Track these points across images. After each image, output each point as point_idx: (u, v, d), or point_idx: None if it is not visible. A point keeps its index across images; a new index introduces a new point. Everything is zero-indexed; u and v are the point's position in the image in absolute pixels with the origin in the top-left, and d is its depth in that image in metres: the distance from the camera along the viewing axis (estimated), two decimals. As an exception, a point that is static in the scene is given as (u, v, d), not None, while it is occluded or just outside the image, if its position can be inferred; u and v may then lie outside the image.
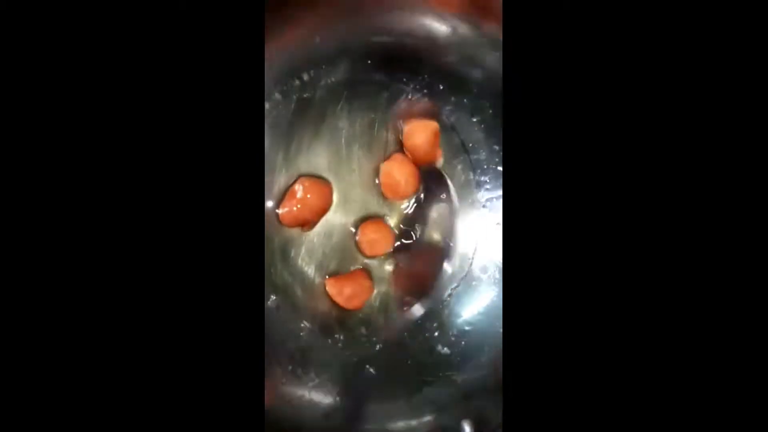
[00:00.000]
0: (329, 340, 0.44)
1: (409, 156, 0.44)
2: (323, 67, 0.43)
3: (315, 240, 0.44)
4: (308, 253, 0.44)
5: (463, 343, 0.45)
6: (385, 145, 0.45)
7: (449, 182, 0.46)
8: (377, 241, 0.44)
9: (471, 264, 0.46)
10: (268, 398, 0.41)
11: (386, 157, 0.44)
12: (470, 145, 0.45)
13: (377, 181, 0.44)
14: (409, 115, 0.44)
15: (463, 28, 0.44)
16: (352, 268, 0.45)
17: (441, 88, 0.45)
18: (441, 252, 0.44)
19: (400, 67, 0.44)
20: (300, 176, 0.43)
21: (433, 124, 0.44)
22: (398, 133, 0.45)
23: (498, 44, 0.43)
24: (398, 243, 0.45)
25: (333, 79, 0.44)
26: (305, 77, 0.43)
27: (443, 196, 0.45)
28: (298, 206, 0.42)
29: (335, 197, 0.44)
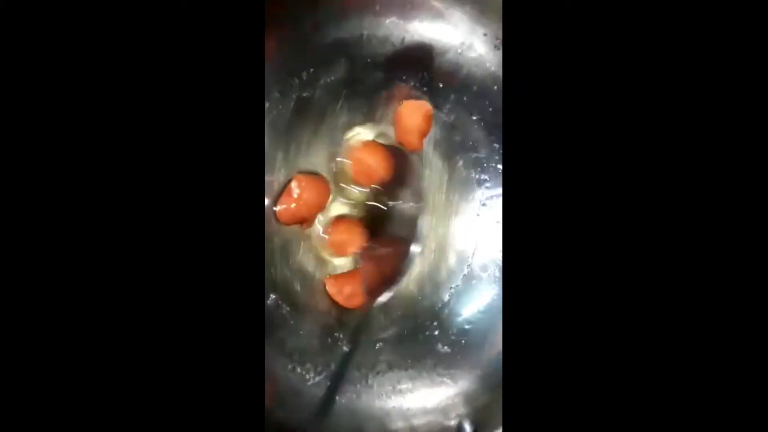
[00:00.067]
0: (329, 339, 0.44)
1: (398, 134, 0.44)
2: (322, 66, 0.43)
3: (314, 238, 0.44)
4: (308, 251, 0.44)
5: (463, 342, 0.45)
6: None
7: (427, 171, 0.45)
8: (345, 241, 0.44)
9: (471, 263, 0.46)
10: (268, 397, 0.41)
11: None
12: (470, 143, 0.45)
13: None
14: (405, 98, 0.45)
15: (463, 26, 0.44)
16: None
17: (440, 86, 0.45)
18: (406, 245, 0.42)
19: (400, 66, 0.44)
20: (296, 173, 0.43)
21: (427, 105, 0.44)
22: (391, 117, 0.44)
23: (498, 42, 0.43)
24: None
25: (332, 78, 0.43)
26: (304, 76, 0.43)
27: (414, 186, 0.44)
28: (295, 204, 0.42)
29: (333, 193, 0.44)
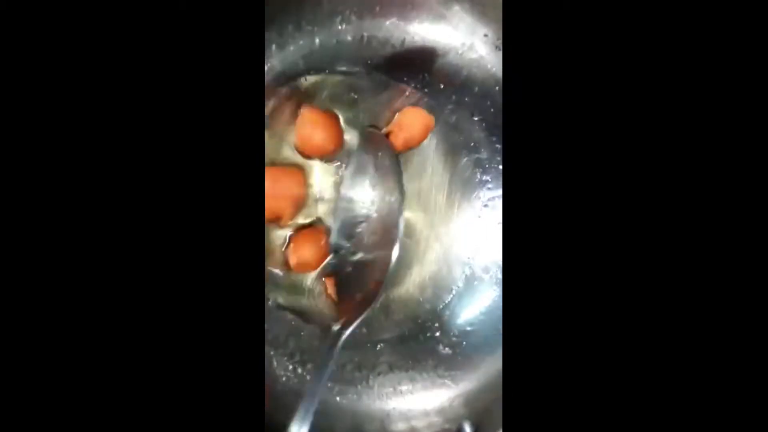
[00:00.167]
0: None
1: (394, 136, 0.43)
2: (323, 68, 0.43)
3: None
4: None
5: (464, 343, 0.45)
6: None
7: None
8: (307, 261, 0.42)
9: (472, 264, 0.46)
10: (269, 397, 0.41)
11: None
12: (471, 144, 0.45)
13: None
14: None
15: (464, 27, 0.44)
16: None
17: (441, 87, 0.44)
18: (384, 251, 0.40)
19: (400, 67, 0.44)
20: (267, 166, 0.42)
21: (428, 117, 0.43)
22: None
23: (499, 43, 0.43)
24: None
25: (333, 80, 0.43)
26: (305, 79, 0.43)
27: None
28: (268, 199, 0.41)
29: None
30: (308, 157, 0.43)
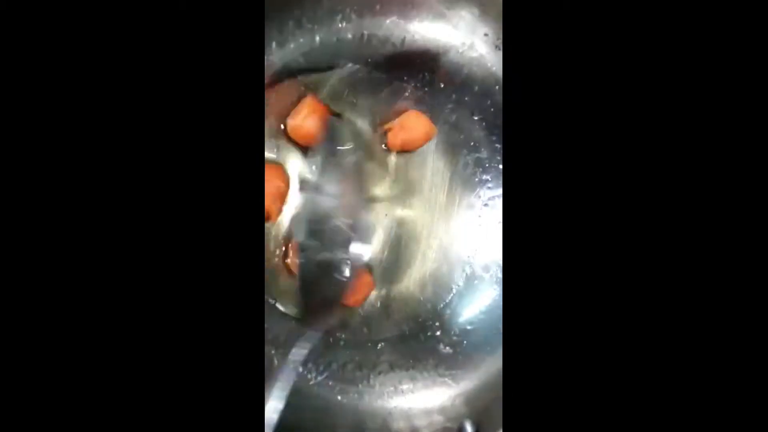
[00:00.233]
0: (330, 340, 0.44)
1: (392, 141, 0.43)
2: (323, 66, 0.43)
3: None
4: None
5: (465, 342, 0.45)
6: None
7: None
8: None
9: (473, 263, 0.46)
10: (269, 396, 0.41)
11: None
12: (472, 143, 0.45)
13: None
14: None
15: (464, 26, 0.44)
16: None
17: (442, 86, 0.44)
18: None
19: (400, 66, 0.44)
20: None
21: (433, 127, 0.43)
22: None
23: (499, 42, 0.43)
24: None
25: (333, 79, 0.43)
26: (305, 77, 0.43)
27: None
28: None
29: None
30: (296, 143, 0.42)
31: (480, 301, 0.46)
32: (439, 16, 0.43)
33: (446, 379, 0.45)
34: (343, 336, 0.44)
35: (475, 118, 0.45)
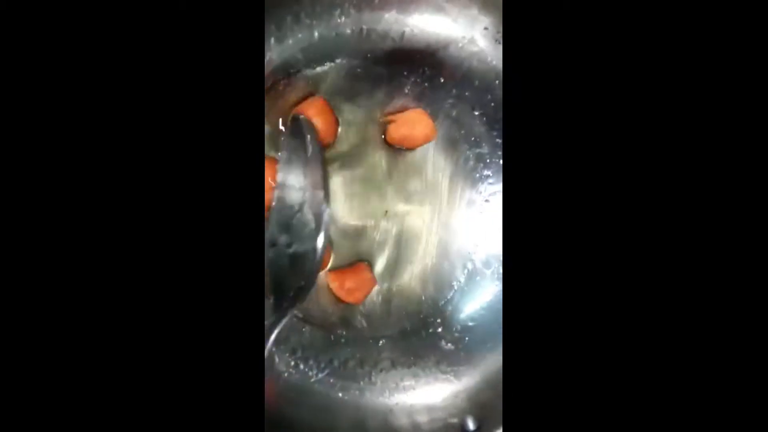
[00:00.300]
0: (331, 336, 0.44)
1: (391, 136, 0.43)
2: (323, 62, 0.43)
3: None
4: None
5: (467, 339, 0.45)
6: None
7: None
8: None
9: (474, 259, 0.46)
10: (270, 394, 0.41)
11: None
12: (472, 138, 0.45)
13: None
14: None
15: (464, 20, 0.43)
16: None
17: (442, 81, 0.44)
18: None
19: (400, 61, 0.44)
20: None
21: (433, 130, 0.43)
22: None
23: (500, 36, 0.43)
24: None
25: (333, 74, 0.43)
26: (304, 73, 0.43)
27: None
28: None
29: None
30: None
31: (481, 297, 0.46)
32: (439, 9, 0.43)
33: (448, 375, 0.45)
34: (345, 333, 0.44)
35: (476, 113, 0.45)
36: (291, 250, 0.39)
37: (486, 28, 0.43)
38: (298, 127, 0.40)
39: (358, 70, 0.43)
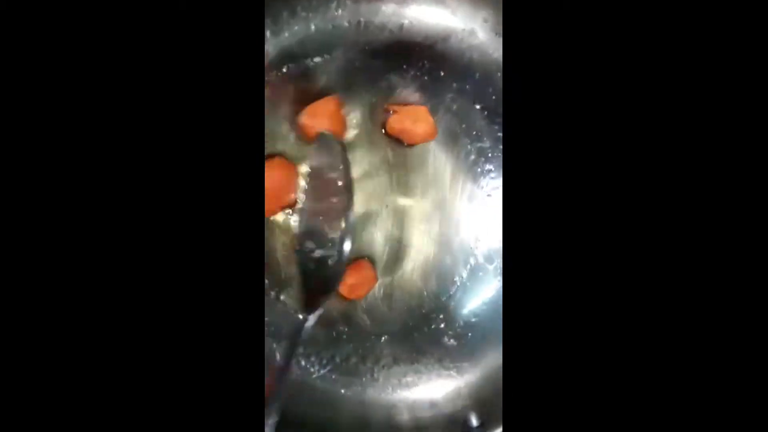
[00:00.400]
0: (333, 333, 0.44)
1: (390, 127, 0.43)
2: (321, 55, 0.42)
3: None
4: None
5: (469, 335, 0.45)
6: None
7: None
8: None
9: (476, 254, 0.45)
10: (271, 390, 0.41)
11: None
12: (474, 132, 0.44)
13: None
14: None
15: (463, 12, 0.42)
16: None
17: (442, 74, 0.43)
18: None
19: (399, 54, 0.43)
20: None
21: (435, 130, 0.43)
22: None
23: (499, 29, 0.42)
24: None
25: (330, 67, 0.42)
26: (301, 65, 0.42)
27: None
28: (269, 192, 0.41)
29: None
30: (308, 140, 0.42)
31: (484, 292, 0.46)
32: (438, 1, 0.42)
33: (451, 371, 0.45)
34: (346, 329, 0.44)
35: (477, 106, 0.44)
36: (317, 255, 0.40)
37: (486, 20, 0.42)
38: (326, 144, 0.40)
39: (356, 63, 0.42)
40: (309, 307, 0.39)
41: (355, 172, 0.43)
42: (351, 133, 0.43)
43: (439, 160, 0.44)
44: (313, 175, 0.40)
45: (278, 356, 0.43)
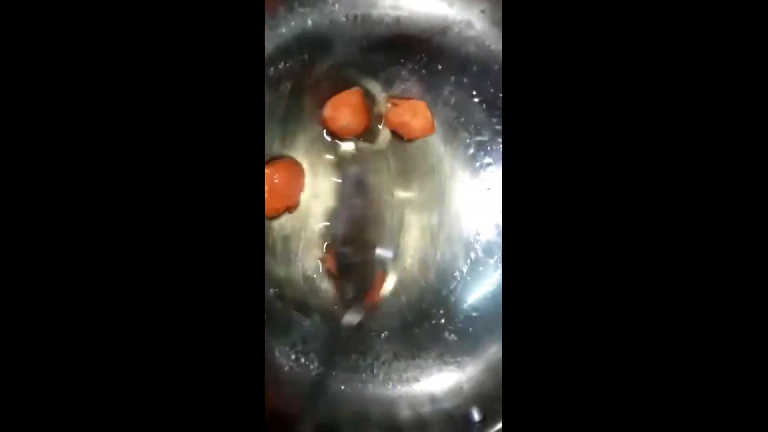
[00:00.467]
0: (333, 329, 0.44)
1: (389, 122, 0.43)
2: (316, 49, 0.42)
3: (315, 228, 0.43)
4: (308, 241, 0.43)
5: (470, 329, 0.45)
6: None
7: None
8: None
9: (476, 248, 0.45)
10: (272, 387, 0.41)
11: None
12: (472, 126, 0.44)
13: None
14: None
15: (459, 3, 0.42)
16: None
17: (440, 67, 0.43)
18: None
19: (396, 47, 0.43)
20: (268, 161, 0.42)
21: (433, 126, 0.43)
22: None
23: (497, 20, 0.42)
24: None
25: (328, 62, 0.42)
26: (299, 61, 0.42)
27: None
28: (274, 193, 0.41)
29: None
30: (331, 133, 0.43)
31: (484, 286, 0.45)
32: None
33: (452, 366, 0.45)
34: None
35: (476, 100, 0.44)
36: (358, 259, 0.41)
37: (483, 11, 0.42)
38: (354, 182, 0.41)
39: (354, 57, 0.42)
40: (347, 313, 0.39)
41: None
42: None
43: (438, 153, 0.44)
44: (352, 181, 0.41)
45: (314, 368, 0.43)
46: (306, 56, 0.42)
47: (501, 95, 0.43)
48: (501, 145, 0.44)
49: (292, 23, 0.42)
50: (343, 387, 0.44)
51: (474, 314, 0.45)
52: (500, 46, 0.42)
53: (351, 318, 0.39)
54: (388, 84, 0.43)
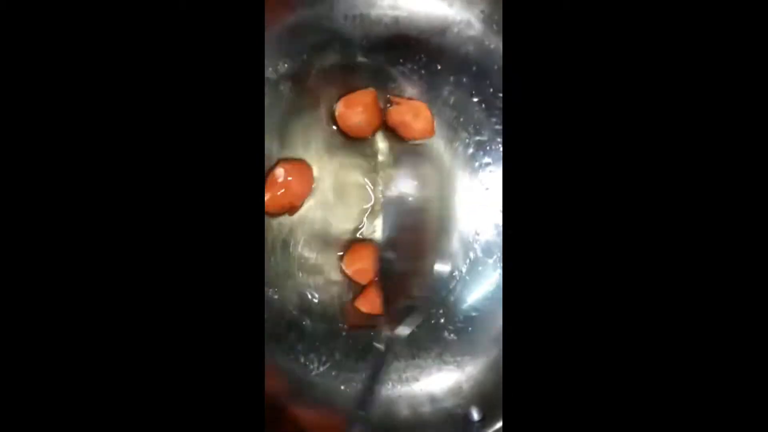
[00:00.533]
0: (332, 329, 0.44)
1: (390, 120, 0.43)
2: (315, 49, 0.42)
3: (315, 227, 0.43)
4: (308, 240, 0.43)
5: (470, 329, 0.45)
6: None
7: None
8: (363, 270, 0.43)
9: (476, 248, 0.45)
10: (272, 387, 0.41)
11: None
12: (472, 126, 0.44)
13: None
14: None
15: (459, 3, 0.42)
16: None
17: (439, 67, 0.43)
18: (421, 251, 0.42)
19: (395, 47, 0.43)
20: (279, 160, 0.42)
21: (433, 128, 0.43)
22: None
23: (496, 20, 0.42)
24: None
25: (327, 63, 0.42)
26: (298, 61, 0.42)
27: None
28: (282, 193, 0.41)
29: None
30: (342, 131, 0.43)
31: (484, 287, 0.45)
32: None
33: (451, 366, 0.45)
34: (345, 325, 0.44)
35: (475, 99, 0.44)
36: (400, 268, 0.41)
37: (482, 11, 0.42)
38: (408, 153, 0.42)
39: (352, 57, 0.42)
40: (392, 321, 0.39)
41: (353, 164, 0.43)
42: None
43: (437, 153, 0.44)
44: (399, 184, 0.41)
45: (314, 367, 0.43)
46: (305, 56, 0.42)
47: (500, 95, 0.43)
48: (500, 145, 0.44)
49: (292, 23, 0.42)
50: (342, 387, 0.44)
51: (473, 314, 0.45)
52: (500, 46, 0.43)
53: (402, 330, 0.39)
54: (387, 84, 0.43)
